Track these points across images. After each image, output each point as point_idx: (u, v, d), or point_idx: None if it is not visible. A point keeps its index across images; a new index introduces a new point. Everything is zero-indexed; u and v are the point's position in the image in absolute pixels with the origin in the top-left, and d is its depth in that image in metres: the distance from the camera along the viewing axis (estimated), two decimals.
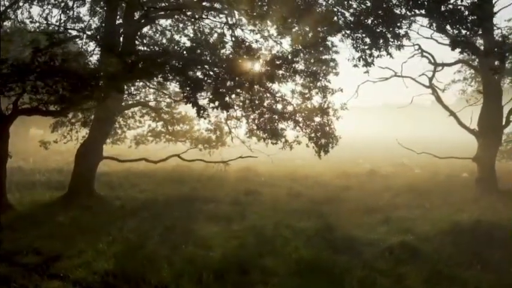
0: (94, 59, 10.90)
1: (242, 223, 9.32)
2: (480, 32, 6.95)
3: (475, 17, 6.53)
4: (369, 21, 8.02)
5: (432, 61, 13.71)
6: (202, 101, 8.78)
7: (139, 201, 11.63)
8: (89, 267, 6.36)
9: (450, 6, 6.79)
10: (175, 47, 11.87)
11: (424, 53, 14.07)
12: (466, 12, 6.60)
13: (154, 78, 7.37)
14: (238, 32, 14.13)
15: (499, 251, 6.50)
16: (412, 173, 17.94)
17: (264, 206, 11.40)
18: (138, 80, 9.92)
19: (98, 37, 6.73)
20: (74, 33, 11.18)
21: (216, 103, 6.38)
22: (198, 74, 6.85)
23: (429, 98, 42.44)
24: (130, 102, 15.44)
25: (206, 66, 6.97)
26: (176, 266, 6.27)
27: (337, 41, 20.74)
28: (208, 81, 6.60)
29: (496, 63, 7.50)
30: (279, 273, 6.12)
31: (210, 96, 6.54)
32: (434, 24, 7.03)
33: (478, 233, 7.26)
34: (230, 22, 14.20)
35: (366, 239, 7.73)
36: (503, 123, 12.70)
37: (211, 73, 6.90)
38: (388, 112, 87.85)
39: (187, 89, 6.07)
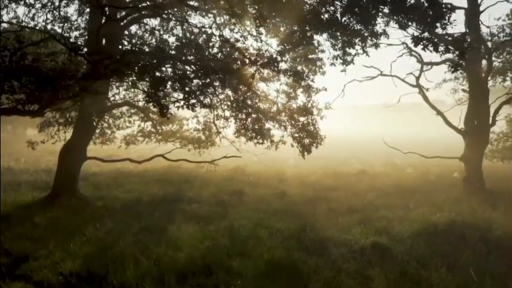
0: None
1: (221, 223, 9.25)
2: (439, 28, 6.86)
3: (431, 13, 6.44)
4: (345, 19, 7.91)
5: (420, 60, 13.62)
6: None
7: (122, 202, 11.59)
8: (56, 268, 6.33)
9: (412, 2, 6.70)
10: (161, 46, 11.88)
11: (413, 52, 14.00)
12: (424, 8, 6.49)
13: (127, 77, 7.32)
14: (227, 32, 14.11)
15: (468, 251, 6.41)
16: (403, 173, 17.81)
17: (247, 206, 11.33)
18: (113, 80, 9.83)
19: (64, 38, 6.68)
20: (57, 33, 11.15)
21: (182, 102, 6.32)
22: (167, 72, 6.80)
23: (428, 98, 42.05)
24: (120, 102, 15.44)
25: (178, 64, 6.92)
26: (142, 267, 6.22)
27: (323, 40, 20.56)
28: (178, 79, 6.53)
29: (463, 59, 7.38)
30: (244, 275, 6.05)
31: (178, 96, 6.50)
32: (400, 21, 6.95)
33: (452, 233, 7.17)
34: (218, 22, 14.22)
35: (340, 239, 7.65)
36: (490, 122, 12.58)
37: (180, 71, 6.84)
38: (387, 111, 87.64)
39: (150, 88, 6.02)
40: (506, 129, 16.91)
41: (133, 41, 14.92)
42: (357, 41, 7.97)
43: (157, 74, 6.26)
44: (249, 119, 12.84)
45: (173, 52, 8.43)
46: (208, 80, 7.45)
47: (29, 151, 21.58)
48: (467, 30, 12.42)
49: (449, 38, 13.11)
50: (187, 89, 6.53)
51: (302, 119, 12.03)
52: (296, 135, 11.74)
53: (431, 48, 6.87)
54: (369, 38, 8.33)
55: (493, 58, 15.71)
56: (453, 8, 6.92)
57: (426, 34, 6.84)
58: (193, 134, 17.03)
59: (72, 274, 6.06)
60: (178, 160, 13.36)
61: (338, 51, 8.38)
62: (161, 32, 15.69)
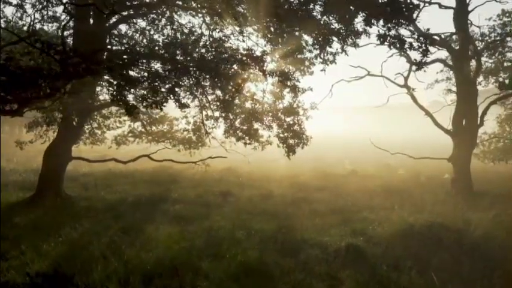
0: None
1: (201, 224, 9.17)
2: (402, 25, 6.74)
3: (390, 10, 6.33)
4: (324, 17, 7.82)
5: (409, 60, 13.50)
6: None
7: (107, 202, 11.53)
8: (24, 269, 6.26)
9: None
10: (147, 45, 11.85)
11: (402, 52, 13.88)
12: (383, 4, 6.39)
13: (101, 76, 7.24)
14: (214, 31, 14.08)
15: (441, 254, 6.30)
16: (394, 174, 17.66)
17: (232, 207, 11.25)
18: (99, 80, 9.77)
19: (34, 37, 6.58)
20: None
21: (149, 101, 6.25)
22: (137, 71, 6.74)
23: (427, 99, 42.11)
24: (106, 102, 15.39)
25: (152, 63, 6.86)
26: (110, 268, 6.14)
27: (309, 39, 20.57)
28: (147, 79, 6.47)
29: (419, 57, 7.26)
30: (213, 277, 5.97)
31: (145, 94, 6.41)
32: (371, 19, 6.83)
33: (428, 235, 7.06)
34: (208, 22, 14.19)
35: (316, 241, 7.56)
36: (478, 123, 12.43)
37: (153, 70, 6.77)
38: (386, 112, 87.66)
39: (115, 87, 5.95)
40: (498, 130, 16.76)
41: (123, 40, 14.93)
42: (335, 39, 7.87)
43: (126, 72, 6.22)
44: (238, 120, 12.85)
45: (149, 50, 8.37)
46: (183, 79, 7.36)
47: (22, 151, 21.64)
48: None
49: (437, 38, 13.05)
50: (157, 88, 6.48)
51: (288, 119, 11.97)
52: (282, 135, 11.68)
53: (398, 46, 6.78)
54: (350, 37, 8.21)
55: (486, 58, 15.62)
56: (417, 5, 6.80)
57: (393, 32, 6.75)
58: (184, 135, 16.96)
59: (38, 275, 6.00)
60: (164, 160, 13.32)
61: (316, 50, 8.28)
62: (152, 32, 15.69)
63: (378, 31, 6.91)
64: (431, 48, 14.01)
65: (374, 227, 8.16)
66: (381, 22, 6.63)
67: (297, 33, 10.50)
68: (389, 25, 6.61)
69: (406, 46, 6.90)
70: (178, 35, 14.24)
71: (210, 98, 13.21)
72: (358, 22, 8.08)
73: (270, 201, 11.91)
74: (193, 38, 12.87)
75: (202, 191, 13.58)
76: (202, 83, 10.82)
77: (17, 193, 12.30)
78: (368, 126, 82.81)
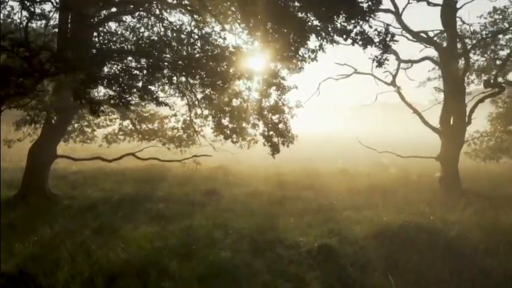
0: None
1: (181, 223, 9.10)
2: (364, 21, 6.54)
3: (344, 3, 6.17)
4: (302, 14, 7.68)
5: (397, 58, 13.35)
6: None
7: (91, 201, 11.46)
8: None
9: None
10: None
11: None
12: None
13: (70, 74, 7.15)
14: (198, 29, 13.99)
15: (411, 255, 6.20)
16: (384, 173, 17.49)
17: (216, 205, 11.17)
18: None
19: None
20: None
21: (116, 99, 6.16)
22: (107, 68, 6.67)
23: (426, 97, 41.90)
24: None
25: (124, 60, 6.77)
26: (76, 268, 6.08)
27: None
28: (114, 77, 6.38)
29: (379, 54, 7.07)
30: (179, 277, 5.90)
31: (115, 94, 6.33)
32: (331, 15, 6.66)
33: (402, 236, 6.95)
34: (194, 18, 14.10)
35: (292, 241, 7.46)
36: (466, 121, 12.26)
37: (123, 68, 6.69)
38: (384, 111, 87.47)
39: (80, 85, 5.88)
40: (490, 128, 16.54)
41: (114, 38, 14.83)
42: (312, 36, 7.73)
43: (92, 70, 6.13)
44: (227, 118, 12.78)
45: (135, 48, 8.29)
46: (157, 76, 7.27)
47: (16, 150, 21.64)
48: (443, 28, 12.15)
49: (425, 36, 12.88)
50: (124, 86, 6.38)
51: (273, 117, 11.87)
52: (266, 133, 11.59)
53: (361, 43, 6.62)
54: (328, 35, 8.07)
55: (477, 56, 15.43)
56: (378, 1, 6.62)
57: (358, 28, 6.59)
58: (174, 133, 16.89)
59: (3, 275, 5.94)
60: (149, 159, 13.28)
61: (292, 50, 8.15)
62: (142, 30, 15.60)
63: (340, 28, 6.76)
64: (419, 46, 14.01)
65: (352, 226, 8.05)
66: (342, 18, 6.49)
67: (285, 30, 10.40)
68: (352, 21, 6.46)
69: (368, 43, 6.73)
70: (166, 32, 14.17)
71: (199, 96, 13.18)
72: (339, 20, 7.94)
73: (255, 200, 11.83)
74: (181, 35, 12.81)
75: (189, 189, 13.52)
76: (191, 81, 10.75)
77: (4, 192, 12.25)
78: (363, 125, 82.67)
